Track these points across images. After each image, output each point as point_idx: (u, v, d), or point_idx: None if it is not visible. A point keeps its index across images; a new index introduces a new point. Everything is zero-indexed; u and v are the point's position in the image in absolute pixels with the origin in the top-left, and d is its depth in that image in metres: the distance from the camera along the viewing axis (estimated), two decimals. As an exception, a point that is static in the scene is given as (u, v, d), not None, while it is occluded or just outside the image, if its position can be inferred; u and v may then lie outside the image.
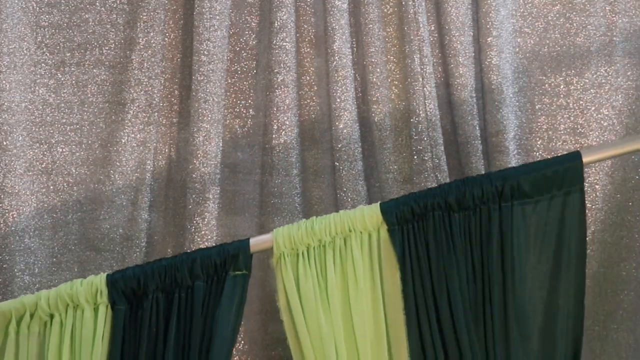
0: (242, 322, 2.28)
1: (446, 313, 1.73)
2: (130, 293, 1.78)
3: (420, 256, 1.76)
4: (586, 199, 2.34)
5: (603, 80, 2.36)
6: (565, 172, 1.79)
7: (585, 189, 2.34)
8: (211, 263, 1.78)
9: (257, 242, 1.82)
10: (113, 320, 1.77)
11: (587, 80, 2.35)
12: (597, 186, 2.34)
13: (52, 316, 1.78)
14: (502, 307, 1.75)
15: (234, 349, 2.29)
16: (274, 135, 2.23)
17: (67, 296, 1.78)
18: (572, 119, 2.36)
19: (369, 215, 1.79)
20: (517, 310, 1.74)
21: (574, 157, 1.80)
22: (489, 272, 1.75)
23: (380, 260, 1.78)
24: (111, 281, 1.78)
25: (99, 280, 1.79)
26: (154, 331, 1.76)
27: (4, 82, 2.16)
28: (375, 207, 1.80)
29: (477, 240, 1.77)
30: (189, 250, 2.17)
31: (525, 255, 1.76)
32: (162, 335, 1.76)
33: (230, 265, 1.78)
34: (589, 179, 2.35)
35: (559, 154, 2.34)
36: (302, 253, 1.79)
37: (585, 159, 1.80)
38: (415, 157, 2.23)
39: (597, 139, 2.34)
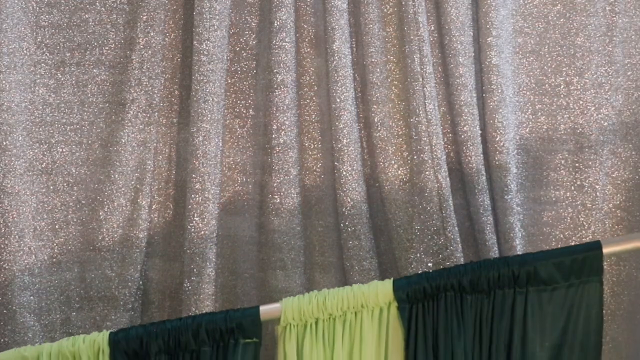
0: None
1: None
2: (132, 354, 1.75)
3: (427, 336, 1.76)
4: (586, 198, 2.35)
5: (603, 80, 2.35)
6: (584, 261, 1.78)
7: (586, 189, 2.35)
8: (217, 329, 1.76)
9: (264, 311, 1.80)
10: None
11: (587, 80, 2.35)
12: (597, 186, 2.34)
13: None
14: None
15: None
16: (273, 135, 2.23)
17: (69, 353, 1.76)
18: (572, 119, 2.36)
19: (382, 292, 1.78)
20: None
21: (594, 247, 1.80)
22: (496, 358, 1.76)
23: (388, 337, 1.78)
24: (114, 341, 1.76)
25: (102, 339, 1.76)
26: None
27: (4, 82, 2.16)
28: (388, 283, 1.79)
29: (487, 325, 1.76)
30: (189, 251, 2.17)
31: (536, 343, 1.76)
32: None
33: (239, 332, 1.76)
34: (589, 179, 2.35)
35: (559, 154, 2.35)
36: (310, 325, 1.78)
37: (605, 250, 1.80)
38: (415, 157, 2.23)
39: (597, 139, 2.34)
